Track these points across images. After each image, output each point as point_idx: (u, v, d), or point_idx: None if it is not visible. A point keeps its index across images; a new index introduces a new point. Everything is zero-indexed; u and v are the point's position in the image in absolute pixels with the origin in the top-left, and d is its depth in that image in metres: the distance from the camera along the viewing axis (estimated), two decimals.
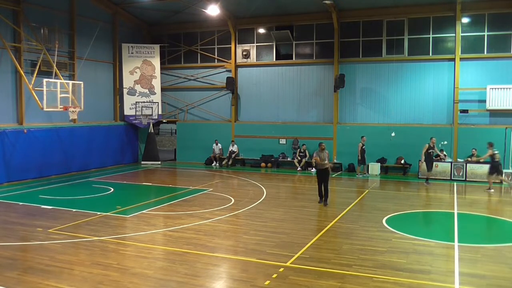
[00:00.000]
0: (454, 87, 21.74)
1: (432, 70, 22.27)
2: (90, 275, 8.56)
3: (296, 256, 9.68)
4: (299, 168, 23.64)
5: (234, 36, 25.86)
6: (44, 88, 18.28)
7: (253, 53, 25.83)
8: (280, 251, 10.02)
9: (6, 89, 19.69)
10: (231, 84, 25.45)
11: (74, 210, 14.08)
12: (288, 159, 24.61)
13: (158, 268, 9.07)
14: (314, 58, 24.57)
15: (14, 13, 19.66)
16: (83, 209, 14.13)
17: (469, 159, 20.99)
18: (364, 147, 21.91)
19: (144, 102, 26.47)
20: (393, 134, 22.53)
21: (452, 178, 20.79)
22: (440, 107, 22.19)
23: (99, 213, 13.68)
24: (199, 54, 27.11)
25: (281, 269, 8.87)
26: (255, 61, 25.81)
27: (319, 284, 8.15)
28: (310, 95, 24.68)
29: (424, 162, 19.53)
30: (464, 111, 21.51)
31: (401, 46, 22.79)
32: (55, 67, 19.88)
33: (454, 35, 21.69)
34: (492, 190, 17.98)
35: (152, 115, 26.51)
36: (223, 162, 25.47)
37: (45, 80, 18.48)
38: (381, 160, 22.83)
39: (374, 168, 22.50)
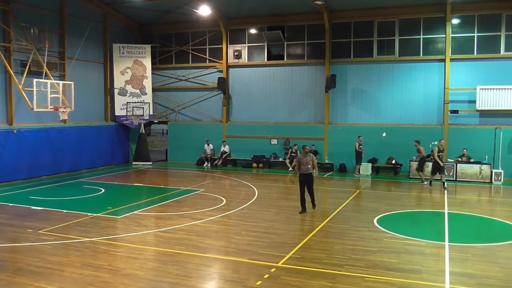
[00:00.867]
0: (444, 88, 21.88)
1: (423, 71, 22.41)
2: (81, 277, 8.51)
3: (287, 256, 9.69)
4: (290, 169, 23.64)
5: (226, 36, 25.85)
6: (34, 88, 18.14)
7: (244, 53, 25.83)
8: (271, 252, 10.02)
9: None
10: (223, 85, 25.43)
11: (65, 211, 14.00)
12: (280, 159, 24.63)
13: (149, 269, 9.03)
14: (306, 59, 24.61)
15: (4, 12, 19.50)
16: (74, 210, 14.05)
17: (460, 159, 21.13)
18: (361, 147, 21.98)
19: (135, 102, 26.38)
20: (384, 134, 22.63)
21: None
22: (430, 108, 22.32)
23: (90, 214, 13.61)
24: (190, 55, 27.05)
25: (273, 270, 8.87)
26: (246, 61, 25.80)
27: (311, 284, 8.16)
28: (301, 95, 24.71)
29: (432, 165, 19.07)
30: (454, 112, 21.66)
31: (392, 46, 22.90)
32: (45, 67, 19.75)
33: (444, 36, 21.83)
34: (425, 183, 19.55)
35: (143, 115, 26.42)
36: (215, 163, 25.44)
37: (35, 80, 18.34)
38: (372, 160, 22.92)
39: (366, 168, 22.57)
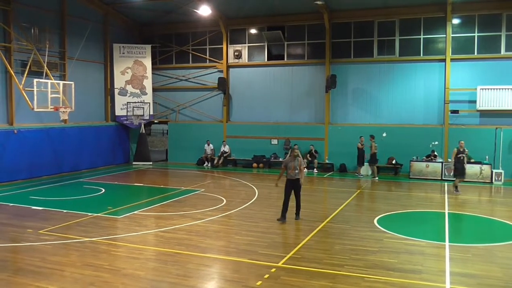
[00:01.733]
0: (444, 88, 21.88)
1: (423, 71, 22.40)
2: (81, 276, 8.51)
3: (288, 256, 9.69)
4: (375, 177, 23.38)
5: (226, 36, 25.85)
6: (35, 88, 18.15)
7: (244, 53, 25.83)
8: (272, 252, 10.03)
9: None
10: (223, 85, 25.43)
11: (65, 211, 14.00)
12: (280, 159, 24.62)
13: (149, 269, 9.04)
14: (306, 59, 24.62)
15: (4, 13, 19.51)
16: (74, 210, 14.06)
17: None
18: (363, 147, 21.97)
19: (135, 102, 26.38)
20: (384, 134, 22.62)
21: (443, 178, 20.92)
22: (431, 108, 22.32)
23: (90, 214, 13.61)
24: (190, 55, 27.06)
25: (273, 270, 8.88)
26: (246, 61, 25.81)
27: (311, 284, 8.17)
28: (301, 95, 24.72)
29: (453, 168, 18.33)
30: (455, 112, 21.65)
31: (392, 46, 22.90)
32: (45, 67, 19.76)
33: (444, 36, 21.83)
34: (377, 179, 21.01)
35: (143, 115, 26.42)
36: (215, 162, 25.44)
37: (35, 80, 18.35)
38: None
39: (366, 168, 22.55)
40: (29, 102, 18.37)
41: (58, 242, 10.71)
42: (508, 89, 20.60)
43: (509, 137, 20.71)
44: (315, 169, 23.30)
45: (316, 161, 23.44)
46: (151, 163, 26.48)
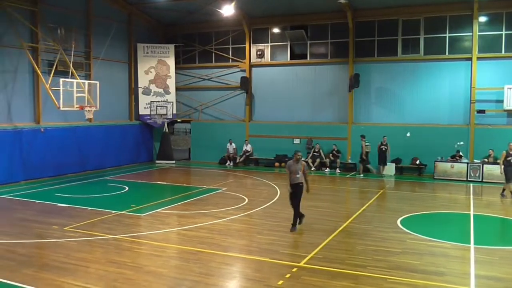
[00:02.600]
0: (470, 87, 21.50)
1: (449, 70, 22.06)
2: (105, 273, 8.64)
3: (309, 256, 9.66)
4: (313, 168, 23.55)
5: (249, 35, 25.88)
6: (61, 88, 18.47)
7: (267, 52, 25.82)
8: (293, 251, 10.02)
9: (24, 88, 19.96)
10: (246, 84, 25.48)
11: (90, 208, 14.23)
12: (302, 159, 24.48)
13: (172, 266, 9.12)
14: (329, 58, 24.48)
15: (32, 13, 19.90)
16: (98, 208, 14.26)
17: (486, 160, 20.74)
18: (382, 147, 21.79)
19: (159, 101, 26.63)
20: (408, 134, 22.36)
21: (468, 179, 20.54)
22: (456, 107, 21.96)
23: (114, 211, 13.80)
24: (213, 54, 27.17)
25: (295, 269, 8.86)
26: (269, 60, 25.80)
27: (333, 284, 8.13)
28: (324, 94, 24.60)
29: (503, 172, 16.77)
30: (481, 111, 21.25)
31: (416, 45, 22.60)
32: (71, 67, 20.06)
33: (471, 34, 21.45)
34: (362, 175, 21.83)
35: (166, 114, 26.65)
36: (237, 161, 25.50)
37: (61, 79, 18.66)
38: (396, 161, 22.63)
39: (389, 168, 22.32)
40: (56, 101, 18.69)
41: (82, 239, 10.89)
42: None
43: None
44: (337, 169, 23.17)
45: (338, 160, 23.30)
46: (174, 161, 26.69)
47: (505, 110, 20.80)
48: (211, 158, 26.75)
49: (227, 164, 25.80)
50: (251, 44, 26.03)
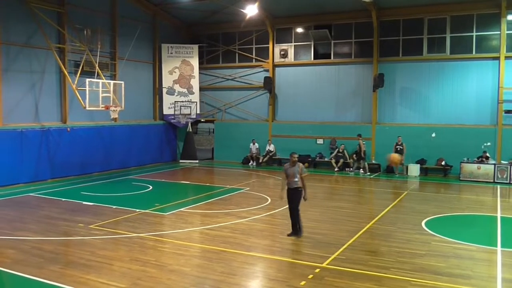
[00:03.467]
0: (498, 87, 21.05)
1: (475, 69, 21.65)
2: (129, 271, 8.73)
3: (332, 257, 9.60)
4: (336, 169, 23.41)
5: (272, 35, 25.87)
6: (87, 88, 18.73)
7: (291, 52, 25.77)
8: (316, 252, 9.96)
9: (51, 89, 20.35)
10: (269, 84, 25.47)
11: (114, 206, 14.41)
12: (326, 159, 24.41)
13: (195, 265, 9.17)
14: (353, 57, 24.30)
15: (59, 15, 20.27)
16: (123, 206, 14.44)
17: None
18: (398, 147, 21.65)
19: (182, 101, 26.82)
20: (433, 135, 22.05)
21: (496, 180, 20.12)
22: (483, 107, 21.53)
23: (138, 210, 13.95)
24: (237, 54, 27.25)
25: (317, 270, 8.82)
26: (293, 60, 25.74)
27: (356, 286, 8.06)
28: (348, 94, 24.42)
29: None
30: (509, 112, 20.81)
31: (442, 44, 22.25)
32: (97, 67, 20.34)
33: (499, 32, 21.01)
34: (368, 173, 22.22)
35: (190, 114, 26.83)
36: (260, 161, 25.52)
37: (87, 80, 18.93)
38: (421, 161, 22.32)
39: (414, 169, 22.03)
40: (82, 101, 18.98)
41: (107, 237, 11.04)
42: None
43: None
44: (361, 169, 22.99)
45: (362, 161, 23.10)
46: (197, 161, 26.85)
47: None
48: (234, 158, 26.82)
49: (250, 164, 25.83)
50: (275, 44, 26.01)
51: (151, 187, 18.36)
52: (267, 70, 26.23)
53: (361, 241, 10.94)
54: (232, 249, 10.11)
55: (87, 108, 19.07)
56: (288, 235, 11.23)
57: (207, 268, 8.98)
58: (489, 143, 21.12)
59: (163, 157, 26.59)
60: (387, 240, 11.05)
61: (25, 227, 11.96)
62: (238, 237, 11.16)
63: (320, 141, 24.91)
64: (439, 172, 22.13)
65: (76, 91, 19.13)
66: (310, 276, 8.47)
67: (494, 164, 20.42)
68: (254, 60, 26.79)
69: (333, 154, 23.88)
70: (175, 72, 26.91)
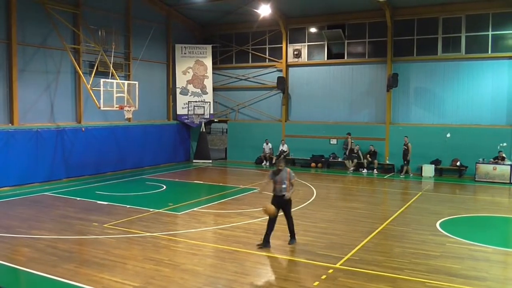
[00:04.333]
0: None
1: (491, 69, 21.38)
2: (143, 270, 8.78)
3: (346, 257, 9.56)
4: (351, 169, 23.30)
5: (286, 35, 25.82)
6: (101, 88, 18.84)
7: (304, 52, 25.71)
8: (329, 252, 9.92)
9: (66, 89, 20.54)
10: (282, 84, 25.43)
11: (128, 206, 14.50)
12: (339, 159, 24.30)
13: (208, 265, 9.19)
14: (367, 57, 24.16)
15: (74, 16, 20.46)
16: (137, 206, 14.52)
17: None
18: (404, 146, 21.70)
19: (196, 101, 26.90)
20: (448, 135, 21.84)
21: None
22: (499, 107, 21.25)
23: (151, 209, 14.02)
24: (250, 54, 27.26)
25: (331, 271, 8.78)
26: (306, 60, 25.67)
27: (369, 287, 8.01)
28: (362, 94, 24.29)
29: None
30: None
31: (458, 44, 22.02)
32: (111, 67, 20.47)
33: None
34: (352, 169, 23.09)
35: (204, 114, 26.90)
36: (273, 161, 25.48)
37: (102, 80, 19.06)
38: (436, 162, 22.11)
39: (428, 169, 21.84)
40: (96, 101, 19.12)
41: (121, 236, 11.11)
42: None
43: None
44: (375, 170, 22.85)
45: (376, 161, 22.96)
46: (210, 161, 26.91)
47: None
48: (248, 158, 26.83)
49: (263, 164, 25.83)
50: (288, 44, 25.96)
51: (164, 187, 18.45)
52: (280, 70, 26.19)
53: (375, 242, 10.87)
54: (245, 249, 10.11)
55: (102, 108, 19.20)
56: (259, 246, 10.21)
57: (220, 267, 8.99)
58: (505, 144, 20.84)
59: (177, 157, 26.70)
60: (401, 241, 10.97)
61: (40, 225, 12.09)
62: (251, 237, 11.15)
63: (333, 141, 24.81)
64: (454, 173, 21.90)
65: (90, 91, 19.27)
66: (323, 277, 8.44)
67: (510, 165, 20.14)
68: (267, 60, 26.77)
69: (346, 155, 23.68)
70: (188, 72, 27.00)
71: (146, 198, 16.32)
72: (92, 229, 11.76)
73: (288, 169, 10.53)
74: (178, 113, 26.80)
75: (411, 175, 21.91)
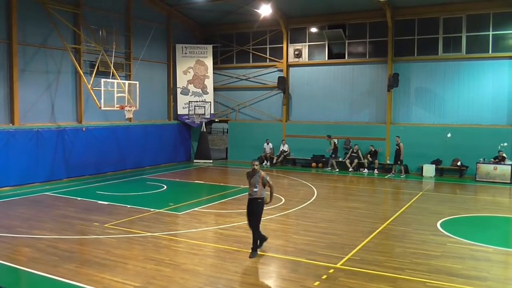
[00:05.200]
0: None
1: (492, 69, 21.37)
2: (143, 270, 8.78)
3: (346, 257, 9.56)
4: (350, 169, 23.31)
5: (286, 35, 25.82)
6: (102, 88, 18.84)
7: (305, 52, 25.70)
8: (330, 252, 9.92)
9: (67, 88, 20.54)
10: (283, 84, 25.43)
11: (129, 206, 14.51)
12: (340, 159, 24.29)
13: (208, 265, 9.19)
14: (367, 57, 24.15)
15: (75, 16, 20.46)
16: (137, 206, 14.53)
17: None
18: (396, 146, 21.74)
19: (197, 101, 26.90)
20: (449, 135, 21.83)
21: None
22: (500, 107, 21.24)
23: (152, 209, 14.03)
24: (251, 54, 27.25)
25: (331, 271, 8.78)
26: (307, 60, 25.67)
27: (370, 287, 8.01)
28: (362, 94, 24.28)
29: None
30: None
31: (458, 44, 22.01)
32: (112, 67, 20.47)
33: None
34: (337, 170, 23.33)
35: (204, 114, 26.90)
36: (274, 161, 25.50)
37: (103, 80, 19.05)
38: (436, 162, 22.10)
39: (429, 169, 21.83)
40: (97, 101, 19.11)
41: (122, 236, 11.11)
42: None
43: None
44: (375, 169, 22.84)
45: (377, 161, 22.95)
46: (211, 161, 26.92)
47: None
48: (248, 158, 26.51)
49: (264, 164, 25.80)
50: (289, 44, 25.96)
51: (165, 187, 18.45)
52: (281, 70, 26.19)
53: (375, 242, 10.87)
54: (245, 249, 10.10)
55: (102, 108, 19.19)
56: (250, 257, 9.60)
57: (220, 267, 8.99)
58: (505, 144, 20.84)
59: (177, 157, 26.70)
60: (402, 241, 10.96)
61: (41, 225, 12.10)
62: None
63: (334, 141, 24.76)
64: (454, 173, 21.90)
65: (91, 91, 19.28)
66: (324, 277, 8.44)
67: (511, 165, 20.15)
68: (268, 60, 26.77)
69: (348, 155, 23.73)
70: (189, 72, 27.01)
71: (147, 198, 16.33)
72: (93, 229, 11.76)
73: (263, 173, 10.00)
74: (178, 113, 26.80)
75: (403, 175, 21.81)
